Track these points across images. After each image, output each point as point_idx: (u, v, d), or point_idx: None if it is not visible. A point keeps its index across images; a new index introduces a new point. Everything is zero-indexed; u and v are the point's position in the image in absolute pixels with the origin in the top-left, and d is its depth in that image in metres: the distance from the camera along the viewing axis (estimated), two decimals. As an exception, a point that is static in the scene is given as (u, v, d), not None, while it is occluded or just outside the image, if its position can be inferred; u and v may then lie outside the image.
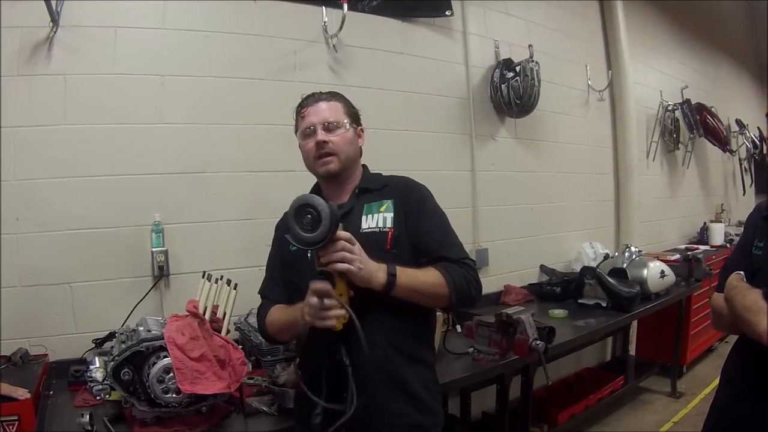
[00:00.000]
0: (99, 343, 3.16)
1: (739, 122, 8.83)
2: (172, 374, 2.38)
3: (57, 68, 3.21)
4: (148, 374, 2.41)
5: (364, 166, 2.40)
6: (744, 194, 9.37)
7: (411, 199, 2.25)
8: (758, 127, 9.50)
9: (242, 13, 3.74)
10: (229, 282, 3.25)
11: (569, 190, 5.83)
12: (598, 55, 6.33)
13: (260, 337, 3.12)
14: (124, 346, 2.48)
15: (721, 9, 9.17)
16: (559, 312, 4.50)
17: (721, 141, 8.09)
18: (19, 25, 3.12)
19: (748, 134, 8.95)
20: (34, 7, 3.04)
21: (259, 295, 2.44)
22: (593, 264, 5.30)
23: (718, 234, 7.74)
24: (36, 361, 3.03)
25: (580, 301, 4.82)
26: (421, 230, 2.19)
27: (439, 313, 2.96)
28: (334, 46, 4.06)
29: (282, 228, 2.39)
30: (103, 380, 2.76)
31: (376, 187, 2.29)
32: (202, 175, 3.59)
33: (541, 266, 5.50)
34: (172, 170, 3.50)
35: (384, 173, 2.42)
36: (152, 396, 2.41)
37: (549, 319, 4.24)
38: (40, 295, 3.17)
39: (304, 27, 3.96)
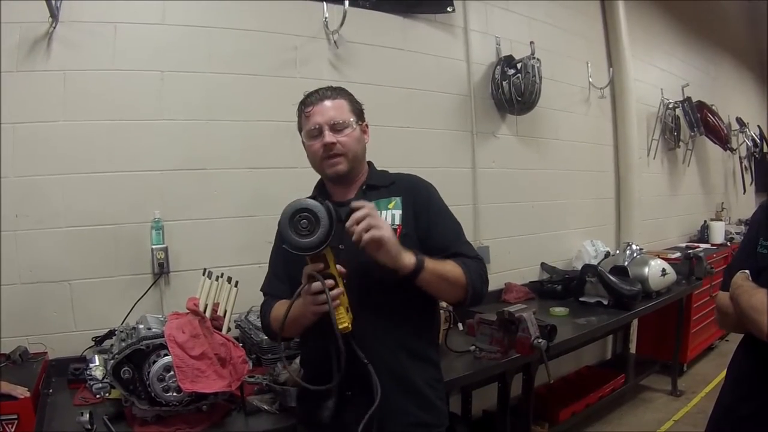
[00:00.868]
0: (98, 341, 3.15)
1: (739, 120, 8.84)
2: (172, 372, 2.38)
3: (56, 64, 3.20)
4: (149, 372, 2.40)
5: (369, 162, 2.37)
6: (744, 193, 9.37)
7: (420, 197, 2.23)
8: (758, 126, 9.53)
9: (243, 9, 3.72)
10: (229, 279, 3.23)
11: (570, 188, 5.82)
12: (599, 52, 6.32)
13: (261, 335, 3.11)
14: (124, 344, 2.47)
15: (722, 7, 9.17)
16: (560, 310, 4.49)
17: (722, 139, 8.08)
18: (18, 21, 3.11)
19: (748, 132, 8.96)
20: (34, 3, 3.03)
21: (261, 293, 2.42)
22: (594, 262, 5.28)
23: (718, 232, 7.73)
24: (35, 359, 3.01)
25: (581, 299, 4.82)
26: (433, 228, 2.19)
27: (440, 311, 2.94)
28: (335, 42, 4.04)
29: None
30: (103, 378, 2.74)
31: (383, 184, 2.27)
32: (203, 172, 3.57)
33: (542, 264, 5.50)
34: (172, 167, 3.48)
35: (389, 170, 2.40)
36: (152, 394, 2.40)
37: (550, 317, 4.21)
38: (40, 292, 3.15)
39: (305, 23, 3.94)
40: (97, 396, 2.72)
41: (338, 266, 1.91)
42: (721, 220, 8.22)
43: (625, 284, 4.64)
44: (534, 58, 4.93)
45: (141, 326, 2.63)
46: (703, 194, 8.51)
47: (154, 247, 3.37)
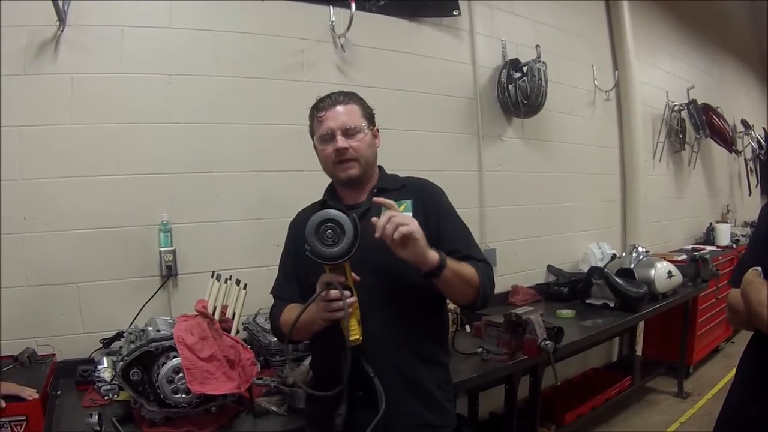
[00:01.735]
0: (106, 343, 3.16)
1: (744, 122, 8.81)
2: (181, 374, 2.38)
3: (64, 67, 3.20)
4: (158, 374, 2.40)
5: (380, 166, 2.38)
6: (750, 195, 9.37)
7: (430, 201, 2.25)
8: (764, 128, 9.52)
9: (250, 12, 3.73)
10: (238, 282, 3.24)
11: (576, 191, 5.82)
12: (605, 55, 6.32)
13: (269, 337, 3.12)
14: (133, 345, 2.47)
15: (726, 9, 9.16)
16: (566, 312, 4.49)
17: (727, 141, 8.05)
18: (25, 24, 3.11)
19: (753, 134, 8.95)
20: (41, 6, 3.04)
21: (271, 295, 2.43)
22: (600, 264, 5.29)
23: (724, 234, 7.71)
24: (43, 361, 3.02)
25: (587, 301, 4.82)
26: (443, 232, 2.19)
27: (448, 314, 2.94)
28: (341, 45, 4.05)
29: (296, 227, 2.38)
30: (112, 380, 2.76)
31: (394, 188, 2.28)
32: (210, 175, 3.58)
33: (549, 266, 5.49)
34: (180, 169, 3.49)
35: (399, 174, 2.42)
36: (161, 396, 2.41)
37: (556, 319, 4.21)
38: (47, 294, 3.16)
39: (311, 26, 3.95)
40: (106, 398, 2.74)
41: (353, 274, 1.93)
42: (726, 222, 8.21)
43: (632, 286, 4.63)
44: (540, 61, 4.93)
45: (150, 328, 2.63)
46: (709, 196, 8.50)
47: (161, 249, 3.38)
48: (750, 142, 8.99)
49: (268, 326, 3.07)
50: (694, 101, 7.40)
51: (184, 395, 2.40)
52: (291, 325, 1.97)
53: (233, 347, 2.58)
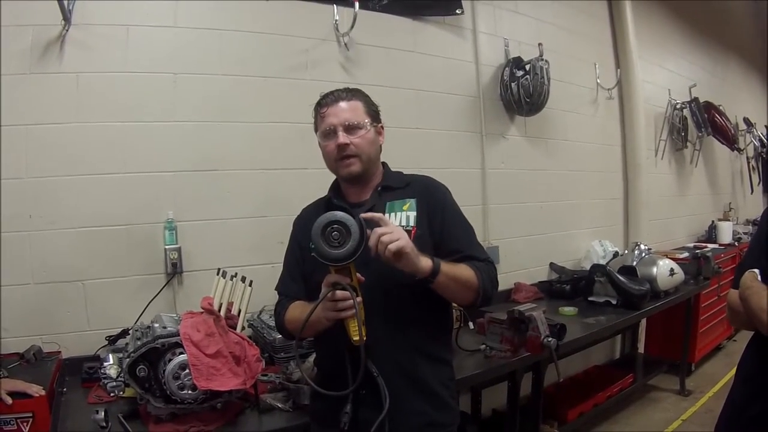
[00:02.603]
0: (112, 340, 3.18)
1: (746, 121, 8.81)
2: (187, 370, 2.39)
3: (69, 66, 3.22)
4: (164, 371, 2.42)
5: (384, 164, 2.39)
6: (752, 193, 9.35)
7: (434, 199, 2.25)
8: (766, 126, 9.50)
9: (254, 12, 3.75)
10: (243, 279, 3.26)
11: (578, 188, 5.83)
12: (607, 53, 6.32)
13: (273, 334, 3.14)
14: (139, 342, 2.49)
15: (729, 8, 9.14)
16: (569, 309, 4.50)
17: (729, 139, 8.06)
18: (31, 23, 3.13)
19: (755, 133, 8.94)
20: (46, 6, 3.05)
21: (275, 292, 2.44)
22: (603, 262, 5.29)
23: (726, 232, 7.72)
24: (49, 359, 3.04)
25: (589, 298, 4.82)
26: (447, 231, 2.21)
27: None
28: (345, 44, 4.07)
29: (300, 224, 2.39)
30: (117, 377, 2.76)
31: (398, 186, 2.29)
32: (215, 173, 3.60)
33: (551, 264, 5.51)
34: (185, 168, 3.51)
35: (403, 171, 2.42)
36: (168, 392, 2.42)
37: (559, 317, 4.21)
38: (53, 292, 3.18)
39: (315, 25, 3.96)
40: (111, 394, 2.73)
41: (358, 274, 1.95)
42: (728, 220, 8.21)
43: (634, 284, 4.64)
44: (542, 59, 4.94)
45: (156, 325, 2.64)
46: (711, 194, 8.50)
47: (167, 247, 3.40)
48: (752, 140, 8.98)
49: (272, 323, 3.08)
50: (696, 99, 7.39)
51: (190, 391, 2.41)
52: (300, 327, 1.98)
53: (239, 344, 2.59)
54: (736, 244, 7.47)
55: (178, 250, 3.42)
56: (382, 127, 2.34)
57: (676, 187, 7.57)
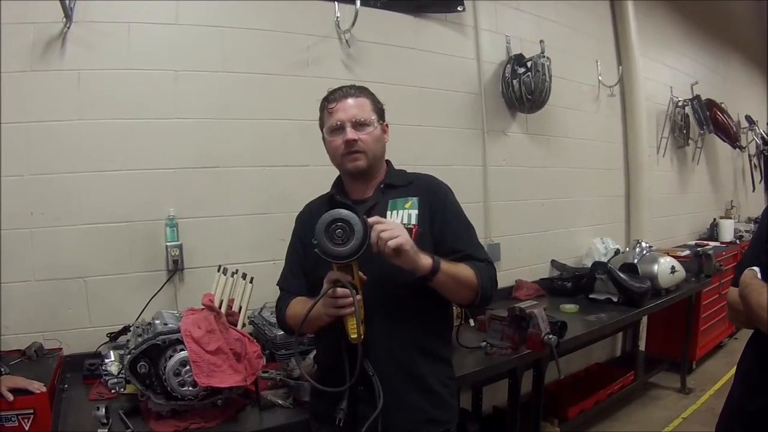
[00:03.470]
0: (113, 336, 3.19)
1: (748, 118, 8.80)
2: (188, 367, 2.39)
3: (71, 64, 3.22)
4: (165, 367, 2.42)
5: (387, 161, 2.40)
6: (753, 191, 9.32)
7: (436, 198, 2.27)
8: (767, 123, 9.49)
9: (256, 9, 3.74)
10: (244, 276, 3.26)
11: (580, 186, 5.83)
12: (609, 50, 6.32)
13: (274, 331, 3.14)
14: (140, 339, 2.49)
15: (731, 6, 9.12)
16: (570, 307, 4.50)
17: (731, 137, 8.06)
18: (32, 21, 3.13)
19: (757, 130, 8.91)
20: (48, 3, 3.05)
21: (277, 288, 2.45)
22: (604, 259, 5.29)
23: (727, 230, 7.73)
24: (50, 355, 3.05)
25: (591, 296, 4.82)
26: (448, 230, 2.22)
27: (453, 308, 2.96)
28: (346, 41, 4.06)
29: (302, 220, 2.41)
30: (119, 374, 2.78)
31: (401, 184, 2.30)
32: (216, 170, 3.59)
33: (552, 261, 5.51)
34: (187, 165, 3.51)
35: (406, 169, 2.43)
36: (168, 389, 2.42)
37: (560, 314, 4.21)
38: (55, 289, 3.18)
39: (317, 22, 3.96)
40: (113, 391, 2.76)
41: (360, 272, 1.96)
42: (730, 218, 8.21)
43: (635, 281, 4.64)
44: (544, 56, 4.94)
45: (157, 322, 2.65)
46: (713, 192, 8.50)
47: (168, 244, 3.40)
48: (754, 138, 8.96)
49: (273, 320, 3.10)
50: (698, 97, 7.39)
51: (190, 388, 2.41)
52: (300, 323, 2.00)
53: (239, 340, 2.59)
54: (738, 242, 7.47)
55: (180, 247, 3.42)
56: (387, 126, 2.35)
57: (678, 184, 7.57)
